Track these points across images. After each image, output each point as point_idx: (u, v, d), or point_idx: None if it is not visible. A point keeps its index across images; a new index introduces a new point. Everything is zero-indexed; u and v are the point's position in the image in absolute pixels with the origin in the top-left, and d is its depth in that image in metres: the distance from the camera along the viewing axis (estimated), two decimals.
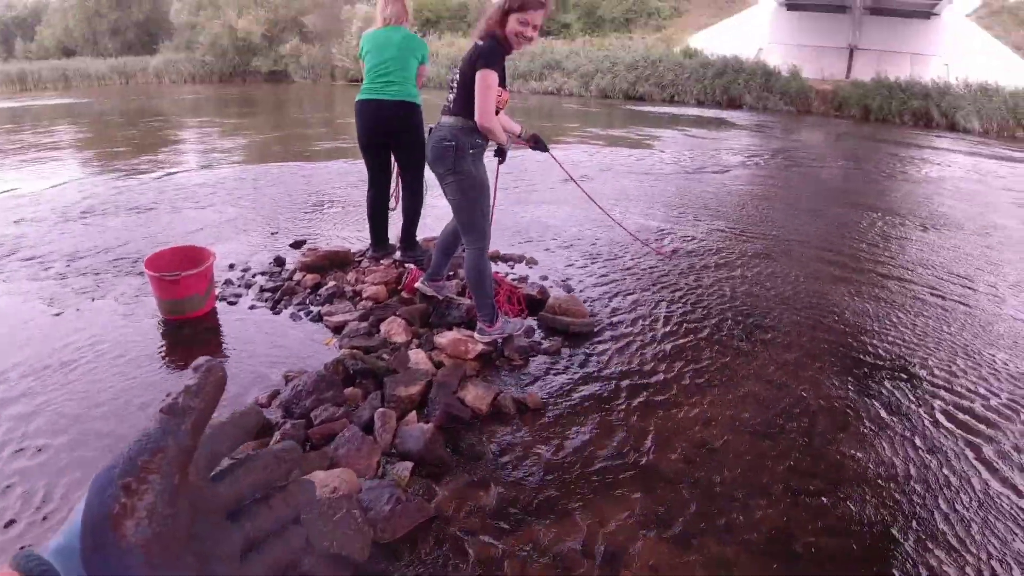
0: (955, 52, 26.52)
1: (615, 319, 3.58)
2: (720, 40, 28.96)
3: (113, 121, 14.61)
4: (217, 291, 3.66)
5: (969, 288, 4.43)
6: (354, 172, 7.21)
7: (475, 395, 2.63)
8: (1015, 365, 3.26)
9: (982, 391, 2.99)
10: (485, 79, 2.66)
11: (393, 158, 4.00)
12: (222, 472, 0.35)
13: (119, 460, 0.29)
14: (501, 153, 3.13)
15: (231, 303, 3.63)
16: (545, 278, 4.12)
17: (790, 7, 28.18)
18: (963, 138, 17.10)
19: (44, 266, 4.24)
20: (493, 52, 2.70)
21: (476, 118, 2.70)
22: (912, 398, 2.89)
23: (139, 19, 38.45)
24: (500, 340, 3.09)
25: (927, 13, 26.17)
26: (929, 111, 19.87)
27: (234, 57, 32.63)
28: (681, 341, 3.35)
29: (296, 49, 31.40)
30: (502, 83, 2.75)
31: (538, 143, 3.20)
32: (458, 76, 2.81)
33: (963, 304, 4.11)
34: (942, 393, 2.95)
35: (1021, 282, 4.65)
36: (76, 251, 4.52)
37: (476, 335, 3.08)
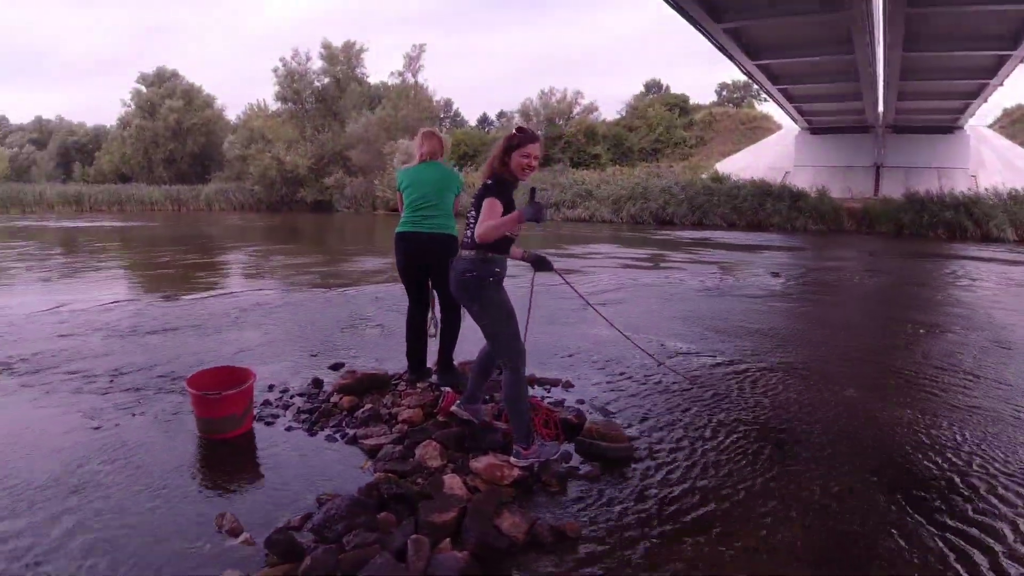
0: (981, 162, 26.82)
1: (654, 443, 3.47)
2: (746, 165, 29.79)
3: (164, 244, 15.42)
4: (255, 411, 3.69)
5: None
6: (392, 298, 7.40)
7: (511, 523, 2.54)
8: None
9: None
10: (490, 205, 2.92)
11: (431, 284, 4.14)
12: None
13: None
14: (535, 266, 3.29)
15: (268, 423, 3.65)
16: (582, 402, 4.06)
17: (814, 131, 29.08)
18: (999, 247, 16.92)
19: (88, 380, 4.35)
20: (498, 185, 2.99)
21: (476, 232, 2.93)
22: (959, 517, 2.70)
23: (193, 151, 41.21)
24: (536, 465, 3.02)
25: (949, 128, 26.64)
26: (962, 223, 19.84)
27: (281, 188, 34.54)
28: (722, 463, 3.23)
29: (340, 181, 33.21)
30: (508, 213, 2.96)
31: (542, 264, 3.29)
32: (474, 212, 3.03)
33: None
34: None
35: None
36: (120, 367, 4.65)
37: (512, 459, 3.02)
